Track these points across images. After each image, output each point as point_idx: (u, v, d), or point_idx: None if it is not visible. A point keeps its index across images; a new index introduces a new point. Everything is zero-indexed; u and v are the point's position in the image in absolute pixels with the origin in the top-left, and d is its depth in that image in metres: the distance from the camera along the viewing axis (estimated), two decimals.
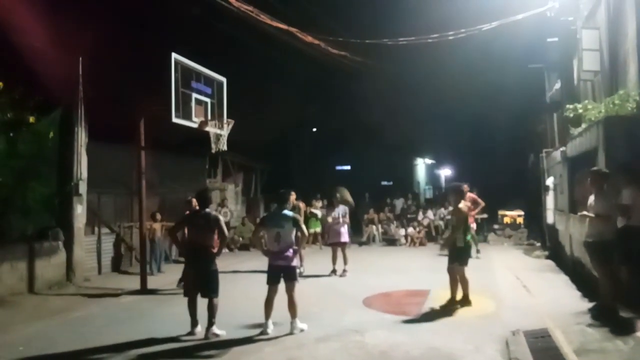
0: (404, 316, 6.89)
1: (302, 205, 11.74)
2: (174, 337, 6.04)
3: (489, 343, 5.52)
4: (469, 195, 12.65)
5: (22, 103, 8.77)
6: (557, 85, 13.63)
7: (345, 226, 10.66)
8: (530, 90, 17.59)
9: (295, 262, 6.35)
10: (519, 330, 5.80)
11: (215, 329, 6.02)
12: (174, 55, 8.27)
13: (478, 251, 12.45)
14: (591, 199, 6.48)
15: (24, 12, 8.86)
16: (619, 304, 6.19)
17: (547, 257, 12.12)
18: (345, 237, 10.62)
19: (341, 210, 10.67)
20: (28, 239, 9.14)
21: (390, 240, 16.55)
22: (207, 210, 6.35)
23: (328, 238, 10.89)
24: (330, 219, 10.71)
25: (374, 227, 16.87)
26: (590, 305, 6.68)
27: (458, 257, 7.27)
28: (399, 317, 6.83)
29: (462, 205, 7.43)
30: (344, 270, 10.31)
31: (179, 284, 8.54)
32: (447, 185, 12.46)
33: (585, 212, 6.51)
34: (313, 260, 11.61)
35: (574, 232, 9.21)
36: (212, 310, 6.06)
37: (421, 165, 35.16)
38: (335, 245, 10.58)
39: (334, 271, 10.40)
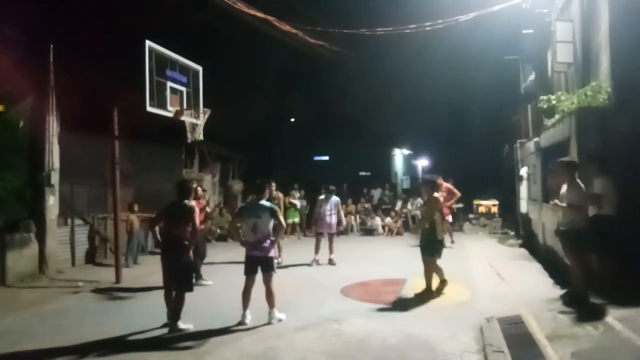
0: (381, 305, 6.96)
1: (280, 195, 11.72)
2: (150, 329, 5.98)
3: (464, 330, 5.62)
4: (445, 185, 12.79)
5: None
6: (532, 77, 13.82)
7: (336, 218, 10.73)
8: (505, 81, 17.81)
9: (273, 253, 6.33)
10: (493, 317, 5.91)
11: (180, 324, 5.91)
12: (147, 42, 8.10)
13: (452, 242, 12.61)
14: (563, 188, 6.61)
15: None
16: (590, 290, 6.36)
17: (521, 246, 12.37)
18: (334, 228, 10.71)
19: (333, 201, 10.71)
20: None
21: (367, 230, 16.66)
22: (186, 202, 6.18)
23: (316, 227, 10.90)
24: (323, 210, 10.72)
25: (352, 217, 16.96)
26: (562, 292, 6.86)
27: (435, 249, 7.39)
28: (376, 306, 6.89)
29: (437, 195, 7.57)
30: (330, 259, 10.41)
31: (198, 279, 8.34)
32: (421, 178, 12.86)
33: (557, 202, 6.64)
34: (291, 251, 11.63)
35: (546, 221, 9.40)
36: (178, 306, 5.95)
37: (399, 156, 35.39)
38: (321, 235, 10.62)
39: (315, 260, 10.42)
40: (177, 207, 6.14)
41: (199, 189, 9.13)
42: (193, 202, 6.37)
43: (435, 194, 7.57)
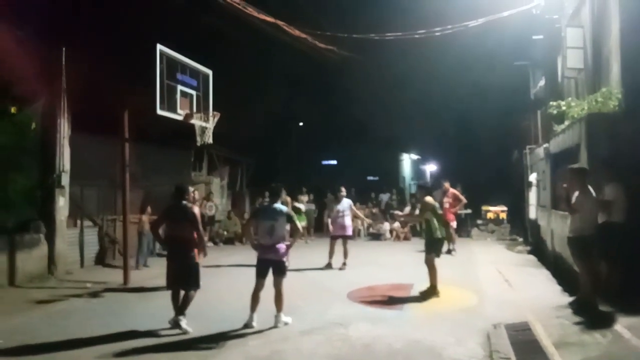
0: (387, 310, 6.95)
1: (288, 199, 11.76)
2: (157, 331, 6.00)
3: (471, 336, 5.58)
4: (451, 191, 12.72)
5: (3, 93, 8.61)
6: (542, 83, 13.77)
7: (350, 219, 10.67)
8: (515, 87, 17.76)
9: (286, 257, 6.34)
10: (500, 324, 5.88)
11: (183, 322, 5.96)
12: (159, 46, 8.18)
13: (454, 249, 12.33)
14: (574, 195, 6.55)
15: (6, 1, 8.70)
16: (598, 298, 6.30)
17: (529, 252, 12.28)
18: (349, 230, 10.65)
19: (346, 203, 10.66)
20: (9, 232, 8.99)
21: (375, 235, 16.62)
22: (184, 202, 6.30)
23: (332, 230, 10.86)
24: (335, 212, 10.71)
25: (359, 221, 16.92)
26: (571, 299, 6.80)
27: (433, 247, 7.74)
28: (382, 311, 6.89)
29: (428, 199, 7.87)
30: (344, 264, 10.32)
31: None
32: (417, 183, 13.54)
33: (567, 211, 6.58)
34: (298, 255, 11.58)
35: (555, 228, 9.34)
36: (186, 301, 6.06)
37: (407, 161, 35.32)
38: (337, 238, 10.56)
39: (329, 265, 10.37)
40: (177, 209, 6.25)
41: (196, 193, 9.10)
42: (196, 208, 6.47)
43: (426, 198, 7.86)
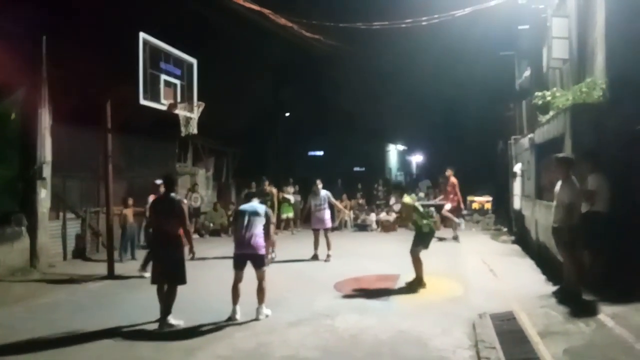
0: (374, 300, 6.95)
1: (274, 191, 11.69)
2: (142, 324, 5.95)
3: (456, 326, 5.61)
4: (450, 180, 13.03)
5: None
6: (527, 73, 13.81)
7: (328, 212, 10.70)
8: (500, 77, 17.80)
9: (264, 250, 6.29)
10: (486, 313, 5.91)
11: (171, 319, 5.85)
12: (142, 34, 8.02)
13: (455, 237, 12.74)
14: (558, 185, 6.60)
15: None
16: (582, 287, 6.37)
17: (514, 242, 12.39)
18: (328, 223, 10.64)
19: (323, 196, 10.65)
20: None
21: (362, 226, 16.65)
22: (173, 195, 6.12)
23: (311, 223, 10.88)
24: (313, 205, 10.71)
25: (346, 212, 16.93)
26: (555, 288, 6.86)
27: (421, 241, 7.70)
28: (369, 301, 6.89)
29: (406, 199, 7.85)
30: (328, 255, 10.30)
31: (142, 269, 8.54)
32: (392, 182, 13.86)
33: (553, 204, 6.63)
34: (285, 246, 11.60)
35: (539, 218, 9.42)
36: (170, 298, 5.88)
37: (393, 152, 35.42)
38: (318, 230, 10.58)
39: (315, 256, 10.39)
40: (165, 201, 6.08)
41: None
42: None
43: (404, 200, 7.85)
